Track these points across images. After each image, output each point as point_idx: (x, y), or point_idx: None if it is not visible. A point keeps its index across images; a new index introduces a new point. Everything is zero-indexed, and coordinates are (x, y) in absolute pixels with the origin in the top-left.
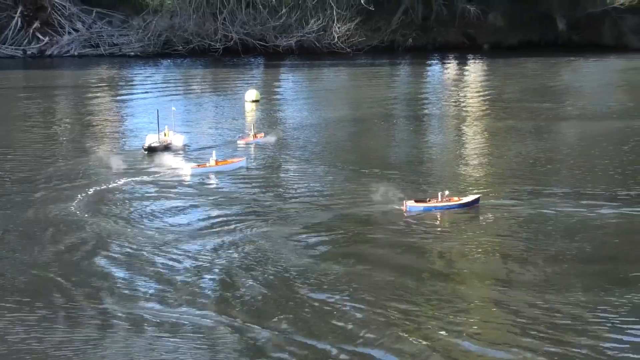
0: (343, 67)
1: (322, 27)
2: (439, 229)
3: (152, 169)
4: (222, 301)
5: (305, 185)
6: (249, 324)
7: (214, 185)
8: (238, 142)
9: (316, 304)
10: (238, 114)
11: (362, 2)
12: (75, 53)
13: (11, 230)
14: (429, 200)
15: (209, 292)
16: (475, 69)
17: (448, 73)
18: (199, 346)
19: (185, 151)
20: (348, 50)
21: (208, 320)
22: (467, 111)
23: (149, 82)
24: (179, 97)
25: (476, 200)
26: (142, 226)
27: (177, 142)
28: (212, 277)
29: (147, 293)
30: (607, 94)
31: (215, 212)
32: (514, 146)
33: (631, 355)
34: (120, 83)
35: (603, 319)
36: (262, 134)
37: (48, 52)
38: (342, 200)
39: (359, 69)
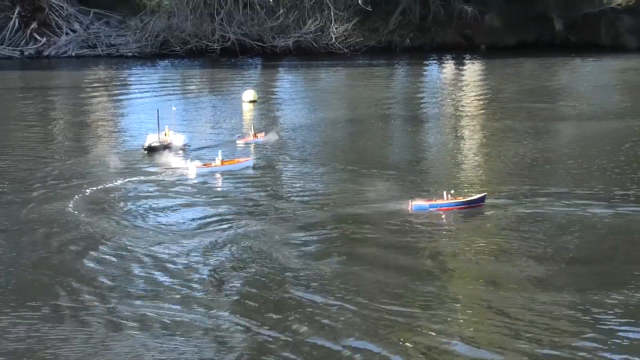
0: (340, 68)
1: (320, 28)
2: (440, 228)
3: (157, 169)
4: (222, 301)
5: (306, 185)
6: (247, 324)
7: (215, 185)
8: (237, 141)
9: (316, 304)
10: (236, 114)
11: (359, 2)
12: (73, 54)
13: (10, 229)
14: (435, 199)
15: (209, 292)
16: (472, 70)
17: (445, 73)
18: (198, 346)
19: (186, 151)
20: (345, 50)
21: (209, 320)
22: (464, 111)
23: (147, 83)
24: (177, 97)
25: (482, 199)
26: (141, 225)
27: (178, 141)
28: (211, 277)
29: (146, 292)
30: (604, 95)
31: (214, 212)
32: (511, 146)
33: (629, 357)
34: (118, 84)
35: (602, 320)
36: (263, 134)
37: (45, 53)
38: (344, 199)
39: (356, 69)
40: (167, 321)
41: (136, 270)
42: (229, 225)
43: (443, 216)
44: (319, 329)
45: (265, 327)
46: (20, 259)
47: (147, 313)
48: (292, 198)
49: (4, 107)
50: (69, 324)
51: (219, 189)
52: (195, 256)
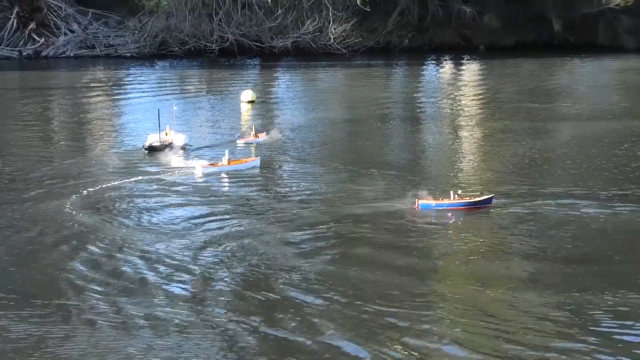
0: (339, 68)
1: (318, 28)
2: (440, 228)
3: (162, 168)
4: (221, 301)
5: (309, 185)
6: (247, 324)
7: (216, 185)
8: (237, 141)
9: (315, 305)
10: (235, 115)
11: (357, 3)
12: (71, 54)
13: (10, 229)
14: (442, 199)
15: (208, 292)
16: (471, 70)
17: (444, 74)
18: (198, 345)
19: (187, 150)
20: (344, 51)
21: (208, 320)
22: (462, 112)
23: (146, 83)
24: (175, 97)
25: (489, 200)
26: (140, 224)
27: (178, 141)
28: (211, 277)
29: (146, 292)
30: (602, 95)
31: (215, 211)
32: (510, 146)
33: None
34: (116, 84)
35: (601, 320)
36: (264, 134)
37: (44, 53)
38: (348, 199)
39: (355, 70)
40: (167, 321)
41: (136, 269)
42: (227, 226)
43: (446, 216)
44: (317, 329)
45: (264, 327)
46: (20, 258)
47: (147, 312)
48: (295, 198)
49: (3, 108)
50: (69, 324)
51: (219, 189)
52: (195, 256)
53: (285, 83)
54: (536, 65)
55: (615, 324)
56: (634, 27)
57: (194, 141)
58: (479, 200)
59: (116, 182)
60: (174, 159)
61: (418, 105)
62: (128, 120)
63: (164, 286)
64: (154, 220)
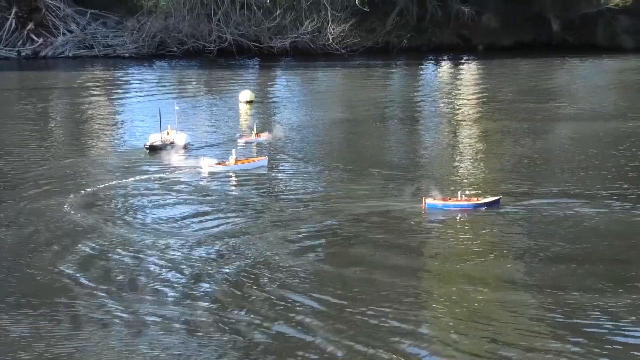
0: (338, 69)
1: (317, 29)
2: (441, 227)
3: (168, 167)
4: (220, 300)
5: (310, 184)
6: (244, 324)
7: (218, 184)
8: (238, 141)
9: (316, 306)
10: (234, 115)
11: (356, 3)
12: (70, 54)
13: (10, 229)
14: (449, 199)
15: (209, 292)
16: (469, 70)
17: (443, 74)
18: (199, 346)
19: (188, 150)
20: (343, 51)
21: (208, 320)
22: (462, 112)
23: (144, 83)
24: (174, 98)
25: (497, 201)
26: (139, 223)
27: (180, 141)
28: (211, 277)
29: (145, 291)
30: (601, 95)
31: (214, 211)
32: (509, 147)
33: None
34: (115, 84)
35: (601, 321)
36: (267, 133)
37: (42, 54)
38: (352, 198)
39: (353, 70)
40: (167, 320)
41: (136, 268)
42: (227, 226)
43: (451, 217)
44: (314, 330)
45: (263, 327)
46: (20, 257)
47: (147, 312)
48: (299, 197)
49: (2, 108)
50: (68, 323)
51: (221, 188)
52: (194, 256)
53: (284, 83)
54: (535, 65)
55: (614, 324)
56: (632, 27)
57: (194, 141)
58: (487, 202)
59: (117, 182)
60: (176, 158)
61: (416, 105)
62: (128, 121)
63: (164, 286)
64: (153, 218)
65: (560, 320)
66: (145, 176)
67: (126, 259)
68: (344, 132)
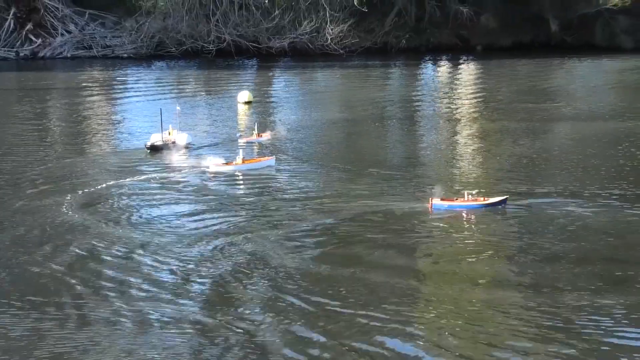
0: (336, 69)
1: (315, 29)
2: (441, 228)
3: (172, 167)
4: (220, 301)
5: (313, 184)
6: (244, 324)
7: (221, 184)
8: (239, 140)
9: (313, 306)
10: (232, 115)
11: (355, 3)
12: (68, 55)
13: (9, 229)
14: (456, 199)
15: (208, 292)
16: (468, 70)
17: (441, 74)
18: (198, 346)
19: (190, 150)
20: (341, 51)
21: (209, 320)
22: (460, 112)
23: (143, 84)
24: (173, 98)
25: (503, 201)
26: (137, 223)
27: (181, 140)
28: (210, 277)
29: (145, 290)
30: (600, 95)
31: (213, 212)
32: (508, 147)
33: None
34: (114, 85)
35: (600, 321)
36: (268, 133)
37: (41, 54)
38: (353, 199)
39: (352, 70)
40: (168, 320)
41: (135, 268)
42: (227, 226)
43: (458, 217)
44: (319, 331)
45: (262, 327)
46: (19, 257)
47: (146, 311)
48: (298, 197)
49: (1, 109)
50: (68, 323)
51: (222, 187)
52: (194, 254)
53: (283, 83)
54: (533, 66)
55: (614, 324)
56: (631, 27)
57: (194, 141)
58: (494, 202)
59: (118, 182)
60: (178, 158)
61: (415, 105)
62: (127, 121)
63: (163, 285)
64: (153, 218)
65: (561, 320)
66: (146, 176)
67: (127, 259)
68: (342, 133)
